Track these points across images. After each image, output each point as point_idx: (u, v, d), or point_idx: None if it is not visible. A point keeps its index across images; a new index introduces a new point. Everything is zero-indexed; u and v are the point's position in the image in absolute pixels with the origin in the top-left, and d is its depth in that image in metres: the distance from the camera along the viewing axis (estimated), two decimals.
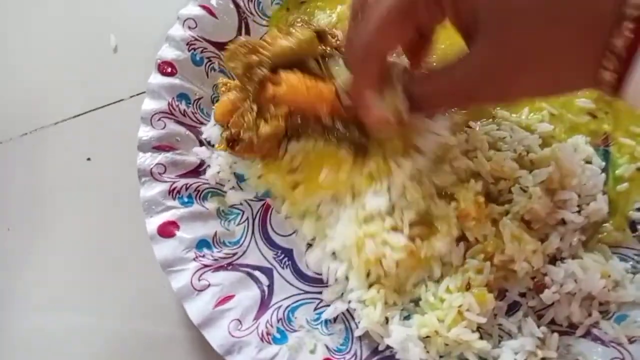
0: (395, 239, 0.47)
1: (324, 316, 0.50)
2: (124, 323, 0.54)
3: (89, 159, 0.60)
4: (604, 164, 0.53)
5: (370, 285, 0.49)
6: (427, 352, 0.47)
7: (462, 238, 0.49)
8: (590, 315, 0.48)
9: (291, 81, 0.52)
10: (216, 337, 0.46)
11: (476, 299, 0.46)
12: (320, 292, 0.52)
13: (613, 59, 0.31)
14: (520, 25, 0.34)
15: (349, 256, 0.49)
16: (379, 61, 0.43)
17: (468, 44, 0.39)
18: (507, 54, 0.36)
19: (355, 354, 0.49)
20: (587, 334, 0.48)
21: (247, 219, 0.54)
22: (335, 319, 0.51)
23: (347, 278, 0.50)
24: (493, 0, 0.35)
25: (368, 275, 0.49)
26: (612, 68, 0.32)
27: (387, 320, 0.49)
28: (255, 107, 0.52)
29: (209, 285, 0.48)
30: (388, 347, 0.49)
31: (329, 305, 0.51)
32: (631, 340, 0.46)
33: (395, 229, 0.48)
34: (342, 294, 0.51)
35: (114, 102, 0.62)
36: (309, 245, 0.53)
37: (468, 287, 0.47)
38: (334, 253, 0.51)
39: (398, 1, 0.38)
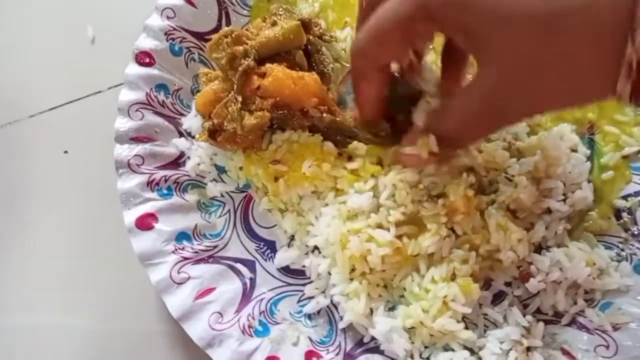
0: (380, 235, 0.46)
1: (305, 310, 0.49)
2: (103, 319, 0.52)
3: (66, 152, 0.59)
4: (589, 152, 0.53)
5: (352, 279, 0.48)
6: (412, 342, 0.46)
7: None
8: (575, 303, 0.48)
9: (277, 73, 0.51)
10: (196, 330, 0.45)
11: (461, 289, 0.46)
12: (304, 285, 0.51)
13: (628, 69, 0.31)
14: (521, 40, 0.33)
15: (332, 252, 0.48)
16: (375, 69, 0.44)
17: (477, 60, 0.38)
18: (515, 72, 0.35)
19: (339, 346, 0.48)
20: (572, 322, 0.47)
21: (229, 211, 0.53)
22: (319, 312, 0.50)
23: (329, 273, 0.49)
24: (487, 15, 0.34)
25: (352, 271, 0.48)
26: (628, 78, 0.31)
27: (371, 311, 0.48)
28: (239, 98, 0.51)
29: (188, 278, 0.47)
30: (373, 338, 0.48)
31: (312, 298, 0.50)
32: (615, 328, 0.46)
33: (380, 226, 0.47)
34: (325, 290, 0.50)
35: (91, 94, 0.61)
36: (292, 238, 0.52)
37: (453, 277, 0.47)
38: (316, 248, 0.51)
39: (397, 14, 0.38)
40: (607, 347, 0.45)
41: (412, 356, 0.47)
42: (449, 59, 0.47)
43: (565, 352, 0.46)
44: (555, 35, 0.32)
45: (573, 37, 0.32)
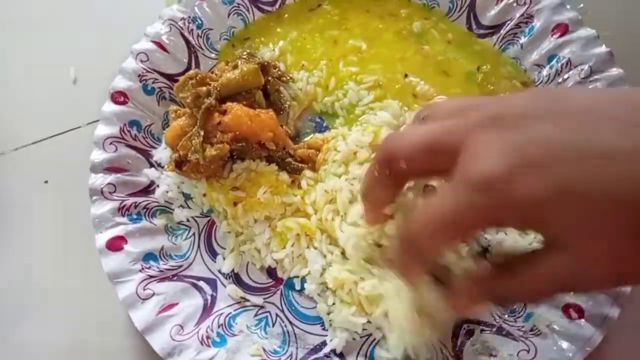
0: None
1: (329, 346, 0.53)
2: (74, 335, 0.57)
3: (46, 182, 0.64)
4: None
5: None
6: None
7: None
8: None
9: (236, 111, 0.58)
10: (158, 341, 0.50)
11: None
12: (262, 300, 0.56)
13: None
14: (605, 237, 0.30)
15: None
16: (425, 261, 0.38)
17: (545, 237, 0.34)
18: (596, 264, 0.32)
19: (291, 355, 0.53)
20: (500, 330, 0.53)
21: (194, 234, 0.59)
22: (273, 324, 0.55)
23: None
24: (574, 221, 0.30)
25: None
26: None
27: None
28: (202, 132, 0.57)
29: (153, 294, 0.52)
30: (321, 346, 0.53)
31: (268, 312, 0.55)
32: (536, 334, 0.51)
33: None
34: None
35: (71, 129, 0.67)
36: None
37: None
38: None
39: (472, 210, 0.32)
40: (528, 351, 0.50)
41: None
42: None
43: (493, 357, 0.51)
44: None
45: None
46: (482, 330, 0.53)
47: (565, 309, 0.51)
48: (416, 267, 0.38)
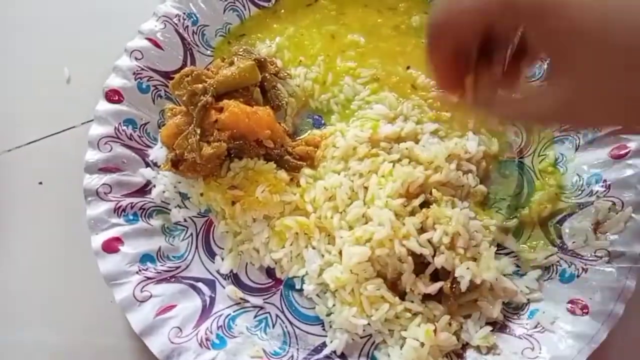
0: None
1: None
2: (70, 336, 0.56)
3: (40, 183, 0.63)
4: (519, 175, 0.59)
5: None
6: None
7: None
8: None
9: (232, 108, 0.57)
10: (156, 344, 0.49)
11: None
12: (262, 301, 0.55)
13: None
14: (614, 68, 0.34)
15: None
16: (448, 42, 0.42)
17: (556, 67, 0.38)
18: (597, 92, 0.36)
19: (291, 356, 0.52)
20: (503, 328, 0.52)
21: (191, 234, 0.58)
22: (274, 325, 0.54)
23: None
24: (584, 36, 0.34)
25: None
26: None
27: None
28: (198, 131, 0.56)
29: (150, 296, 0.51)
30: (323, 347, 0.52)
31: (268, 313, 0.54)
32: (541, 331, 0.50)
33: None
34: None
35: (66, 129, 0.66)
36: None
37: None
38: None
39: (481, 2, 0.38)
40: (532, 349, 0.50)
41: None
42: (514, 57, 0.45)
43: (496, 354, 0.50)
44: None
45: None
46: (484, 328, 0.52)
47: (570, 305, 0.51)
48: (439, 45, 0.43)
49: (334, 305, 0.52)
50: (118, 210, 0.55)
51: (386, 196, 0.54)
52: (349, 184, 0.56)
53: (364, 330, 0.51)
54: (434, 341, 0.49)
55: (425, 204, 0.54)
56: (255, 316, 0.54)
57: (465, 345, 0.51)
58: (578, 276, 0.52)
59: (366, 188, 0.56)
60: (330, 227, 0.54)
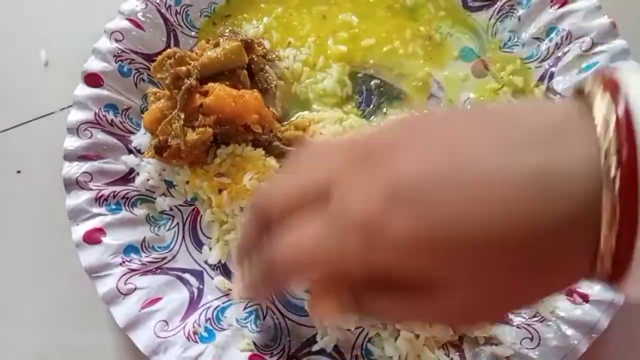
0: None
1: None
2: (51, 333, 0.54)
3: (19, 172, 0.60)
4: None
5: None
6: None
7: None
8: None
9: (218, 92, 0.54)
10: (142, 338, 0.47)
11: None
12: None
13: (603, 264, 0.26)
14: (495, 272, 0.27)
15: None
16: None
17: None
18: (486, 296, 0.28)
19: (283, 349, 0.50)
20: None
21: (178, 224, 0.56)
22: (264, 316, 0.52)
23: None
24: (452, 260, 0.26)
25: None
26: (604, 271, 0.26)
27: None
28: (182, 115, 0.54)
29: (135, 289, 0.49)
30: (315, 338, 0.50)
31: (259, 304, 0.52)
32: (540, 320, 0.49)
33: None
34: None
35: (44, 116, 0.63)
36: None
37: None
38: None
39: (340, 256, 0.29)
40: (531, 339, 0.48)
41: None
42: None
43: (494, 345, 0.49)
44: (530, 265, 0.26)
45: (550, 262, 0.26)
46: None
47: (569, 294, 0.49)
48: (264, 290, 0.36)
49: None
50: (100, 200, 0.53)
51: None
52: None
53: (355, 324, 0.50)
54: (428, 332, 0.48)
55: None
56: (245, 308, 0.52)
57: (463, 337, 0.49)
58: None
59: None
60: None
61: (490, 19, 0.65)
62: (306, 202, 0.31)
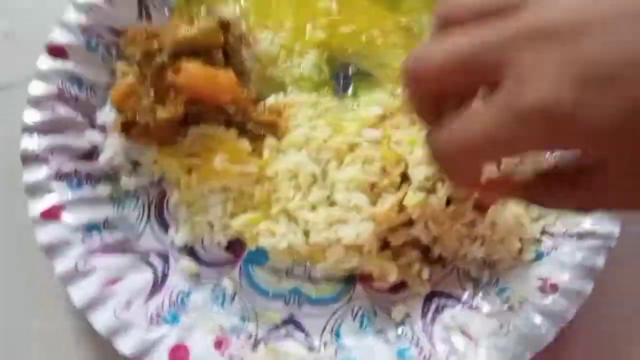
0: None
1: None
2: (4, 317, 0.51)
3: None
4: None
5: None
6: None
7: None
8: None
9: (190, 70, 0.52)
10: (100, 319, 0.45)
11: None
12: (218, 275, 0.51)
13: None
14: None
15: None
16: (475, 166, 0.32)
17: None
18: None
19: (250, 333, 0.49)
20: (471, 306, 0.50)
21: (143, 204, 0.53)
22: (232, 300, 0.50)
23: None
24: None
25: None
26: None
27: None
28: (152, 92, 0.51)
29: (95, 269, 0.47)
30: (285, 323, 0.49)
31: (226, 288, 0.51)
32: (509, 308, 0.49)
33: None
34: None
35: (3, 88, 0.59)
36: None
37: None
38: None
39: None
40: (501, 327, 0.48)
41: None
42: None
43: (465, 334, 0.49)
44: None
45: None
46: (453, 306, 0.50)
47: (539, 283, 0.49)
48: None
49: None
50: (60, 176, 0.50)
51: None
52: (311, 167, 0.52)
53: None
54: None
55: None
56: (212, 291, 0.51)
57: (432, 323, 0.49)
58: (547, 254, 0.51)
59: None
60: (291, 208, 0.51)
61: None
62: (467, 72, 0.28)
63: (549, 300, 0.48)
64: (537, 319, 0.47)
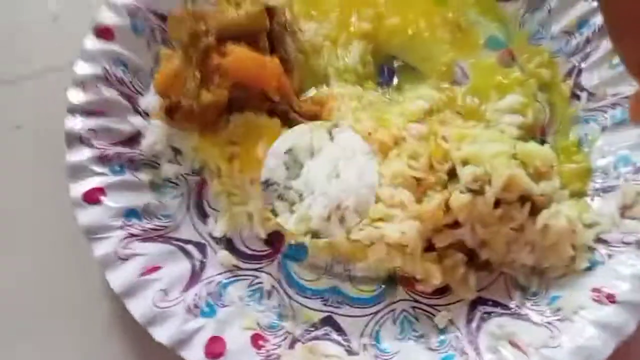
0: None
1: None
2: (41, 295, 0.51)
3: (18, 127, 0.57)
4: None
5: None
6: None
7: None
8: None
9: (237, 53, 0.51)
10: (138, 307, 0.44)
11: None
12: (256, 269, 0.50)
13: None
14: None
15: None
16: None
17: None
18: None
19: (287, 331, 0.47)
20: (520, 315, 0.48)
21: (182, 193, 0.52)
22: (269, 296, 0.49)
23: None
24: None
25: None
26: None
27: None
28: (198, 75, 0.50)
29: (134, 255, 0.46)
30: (323, 323, 0.48)
31: (264, 282, 0.49)
32: (562, 319, 0.46)
33: None
34: None
35: (50, 70, 0.59)
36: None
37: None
38: None
39: None
40: (553, 338, 0.45)
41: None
42: None
43: (513, 344, 0.46)
44: None
45: None
46: (500, 314, 0.48)
47: (594, 294, 0.46)
48: None
49: None
50: (103, 159, 0.49)
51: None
52: None
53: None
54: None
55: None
56: (250, 285, 0.49)
57: (478, 330, 0.47)
58: (602, 263, 0.48)
59: None
60: None
61: (519, 9, 0.62)
62: None
63: (605, 311, 0.45)
64: (593, 331, 0.44)
